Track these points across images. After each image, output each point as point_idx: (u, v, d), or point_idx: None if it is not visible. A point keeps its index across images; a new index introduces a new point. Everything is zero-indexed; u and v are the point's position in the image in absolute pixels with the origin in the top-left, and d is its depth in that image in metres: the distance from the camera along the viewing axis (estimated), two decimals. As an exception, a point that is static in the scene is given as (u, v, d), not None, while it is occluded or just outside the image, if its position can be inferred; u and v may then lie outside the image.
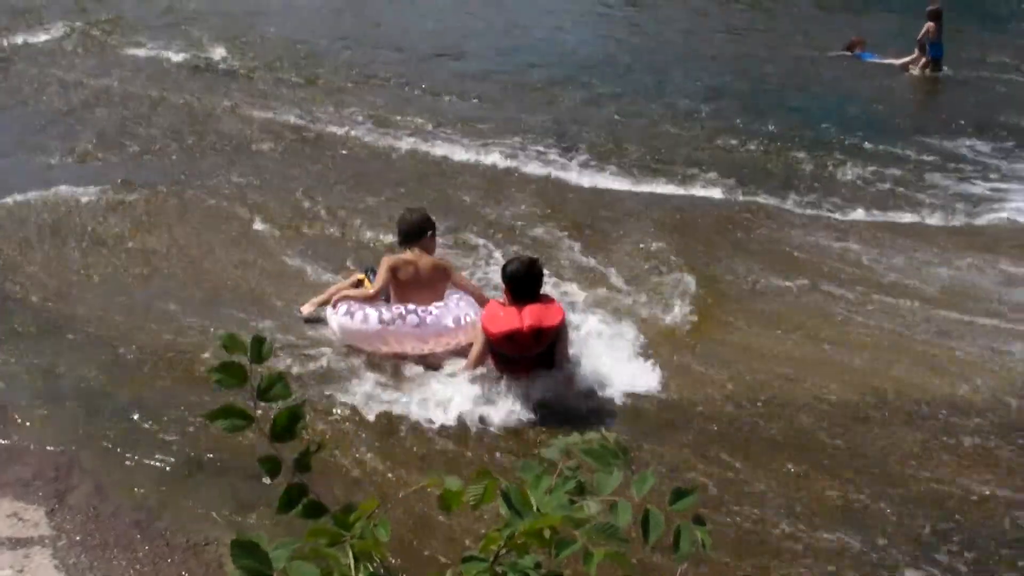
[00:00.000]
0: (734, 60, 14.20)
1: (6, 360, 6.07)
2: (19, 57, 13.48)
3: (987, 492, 4.99)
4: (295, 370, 5.87)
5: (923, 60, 14.27)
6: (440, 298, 6.28)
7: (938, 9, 14.08)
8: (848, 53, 14.89)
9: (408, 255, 6.30)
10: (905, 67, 14.43)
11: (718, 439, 5.42)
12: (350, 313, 6.15)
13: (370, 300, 6.21)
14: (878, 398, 5.85)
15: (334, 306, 6.30)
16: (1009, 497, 4.96)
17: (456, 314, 6.11)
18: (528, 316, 5.58)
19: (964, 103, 12.81)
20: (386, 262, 6.30)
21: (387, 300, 6.31)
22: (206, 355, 6.03)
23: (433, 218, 6.49)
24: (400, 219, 6.44)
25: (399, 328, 6.06)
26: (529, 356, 5.70)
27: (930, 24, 14.08)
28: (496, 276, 7.14)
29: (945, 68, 14.25)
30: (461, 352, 6.06)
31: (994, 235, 8.48)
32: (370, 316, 6.10)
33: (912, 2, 17.92)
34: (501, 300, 5.79)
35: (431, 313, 6.09)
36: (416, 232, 6.31)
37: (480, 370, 5.79)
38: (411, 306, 6.13)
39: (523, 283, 5.66)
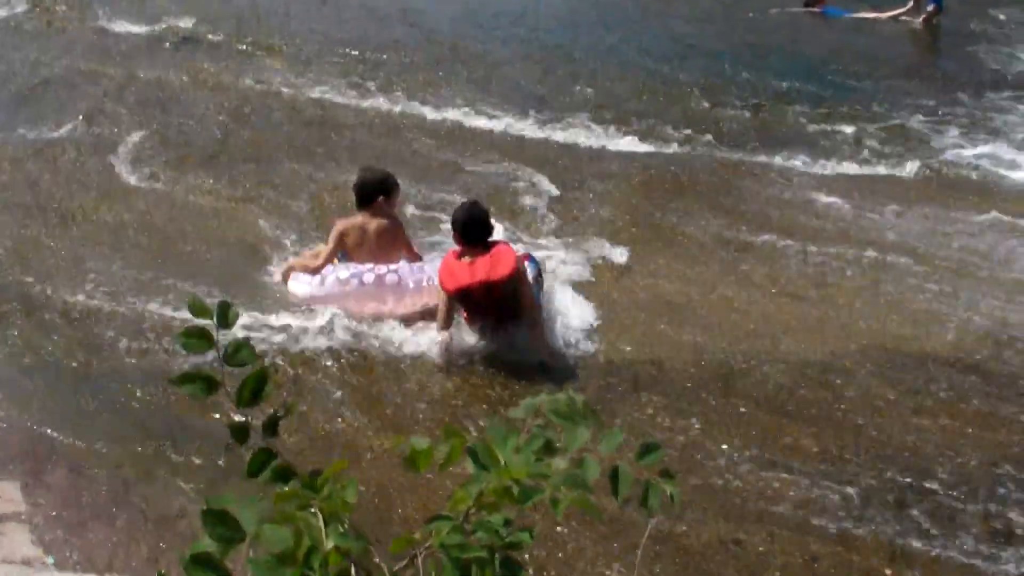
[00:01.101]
0: (707, 20, 14.13)
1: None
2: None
3: (961, 444, 5.07)
4: (263, 337, 5.87)
5: (929, 8, 13.96)
6: (395, 261, 6.24)
7: None
8: (812, 9, 14.61)
9: (358, 219, 6.31)
10: (895, 19, 14.17)
11: (690, 396, 5.46)
12: (307, 279, 6.18)
13: (316, 269, 6.22)
14: (853, 351, 5.91)
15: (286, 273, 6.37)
16: (982, 449, 5.03)
17: (418, 276, 6.08)
18: (479, 270, 5.61)
19: (950, 55, 12.76)
20: (337, 226, 6.33)
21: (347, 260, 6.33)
22: (176, 328, 6.01)
23: (394, 179, 6.41)
24: (355, 181, 6.41)
25: (356, 288, 6.07)
26: (490, 304, 5.73)
27: None
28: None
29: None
30: (428, 313, 6.06)
31: (969, 187, 8.49)
32: (327, 278, 6.13)
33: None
34: (456, 249, 5.79)
35: (390, 272, 6.08)
36: (366, 195, 6.29)
37: (447, 334, 5.80)
38: (369, 266, 6.12)
39: (469, 228, 5.70)
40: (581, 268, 6.84)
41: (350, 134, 9.68)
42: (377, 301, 6.09)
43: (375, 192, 6.28)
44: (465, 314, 5.90)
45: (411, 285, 6.06)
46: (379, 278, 6.08)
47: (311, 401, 5.35)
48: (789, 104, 10.42)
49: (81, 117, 9.97)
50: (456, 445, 1.55)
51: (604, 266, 6.93)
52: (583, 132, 9.58)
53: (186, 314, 6.13)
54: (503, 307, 5.75)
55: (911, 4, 14.09)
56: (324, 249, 6.32)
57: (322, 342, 5.91)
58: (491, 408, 5.36)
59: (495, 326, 5.83)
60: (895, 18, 14.21)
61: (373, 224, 6.26)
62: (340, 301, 6.12)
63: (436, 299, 6.09)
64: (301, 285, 6.21)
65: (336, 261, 6.32)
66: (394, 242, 6.30)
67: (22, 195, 8.17)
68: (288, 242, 7.22)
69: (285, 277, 6.41)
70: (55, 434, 5.15)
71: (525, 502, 1.46)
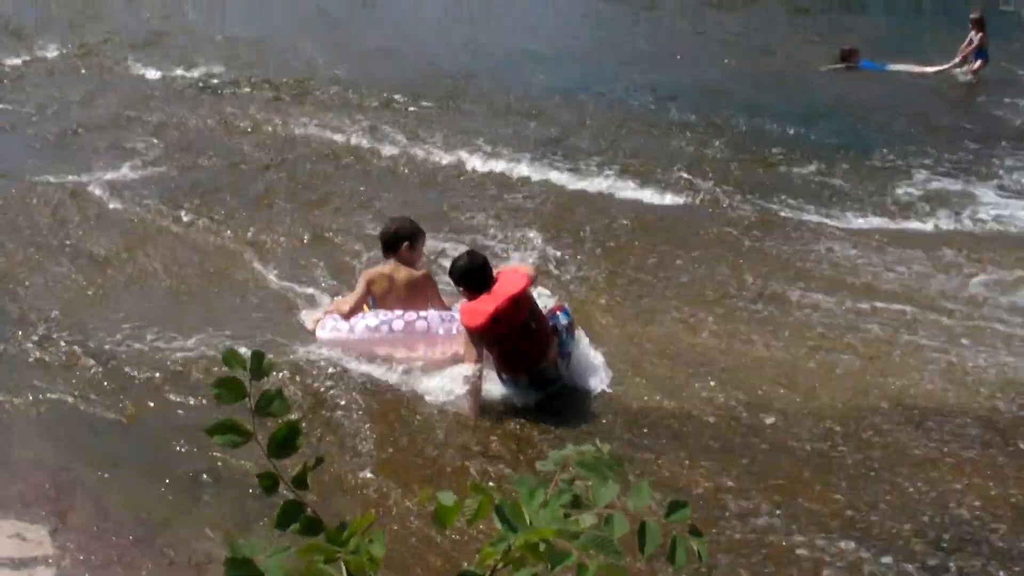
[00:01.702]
0: (735, 72, 14.22)
1: (5, 379, 6.08)
2: (17, 78, 13.56)
3: (991, 502, 4.97)
4: (292, 385, 5.88)
5: (976, 64, 13.98)
6: (422, 308, 6.28)
7: (982, 16, 13.93)
8: (844, 65, 14.50)
9: (385, 268, 6.35)
10: (941, 73, 14.14)
11: (717, 449, 5.40)
12: (336, 327, 6.23)
13: (345, 316, 6.25)
14: (880, 406, 5.83)
15: (317, 322, 6.42)
16: (1013, 507, 4.94)
17: (448, 325, 6.10)
18: (499, 294, 5.66)
19: (988, 110, 12.70)
20: (363, 275, 6.39)
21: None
22: (204, 373, 6.06)
23: (418, 226, 6.45)
24: (381, 230, 6.48)
25: (385, 335, 6.12)
26: (520, 327, 5.72)
27: (981, 34, 13.90)
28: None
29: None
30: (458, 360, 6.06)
31: (1000, 243, 8.41)
32: (356, 325, 6.16)
33: (900, 5, 18.02)
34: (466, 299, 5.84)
35: (420, 319, 6.13)
36: (391, 243, 6.33)
37: (477, 367, 5.75)
38: (398, 312, 6.17)
39: (472, 278, 5.76)
40: (603, 317, 6.84)
41: (375, 178, 9.85)
42: (407, 348, 6.12)
43: (399, 239, 6.33)
44: (497, 358, 5.87)
45: (440, 332, 6.08)
46: (408, 325, 6.12)
47: (338, 451, 5.34)
48: (817, 157, 10.41)
49: (110, 160, 10.17)
50: (483, 502, 1.55)
51: (627, 316, 6.93)
52: (603, 180, 9.67)
53: (209, 355, 6.21)
54: (532, 327, 5.76)
55: (957, 59, 14.08)
56: (351, 298, 6.36)
57: (350, 390, 5.91)
58: (519, 457, 5.32)
59: (529, 361, 5.80)
60: (941, 72, 14.15)
61: (400, 272, 6.30)
62: (369, 348, 6.15)
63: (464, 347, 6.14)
64: (330, 332, 6.25)
65: (367, 308, 6.36)
66: (421, 290, 6.32)
67: (52, 237, 8.32)
68: (314, 288, 7.28)
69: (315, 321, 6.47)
70: (83, 477, 5.17)
71: (554, 567, 1.45)
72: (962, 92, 13.83)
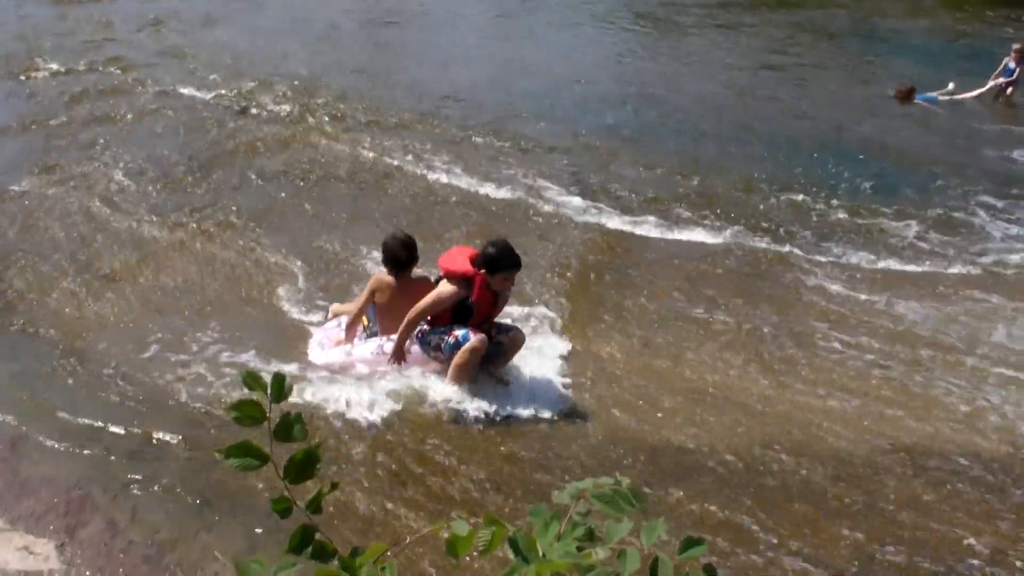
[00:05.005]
0: (765, 104, 14.20)
1: (21, 395, 6.11)
2: (34, 92, 13.68)
3: (999, 545, 4.94)
4: (301, 408, 5.89)
5: (1010, 90, 14.49)
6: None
7: None
8: (913, 101, 14.53)
9: (393, 280, 6.37)
10: (995, 92, 14.62)
11: (730, 487, 5.38)
12: (347, 351, 6.35)
13: (352, 317, 6.38)
14: (892, 448, 5.81)
15: (321, 344, 6.52)
16: (1021, 552, 4.90)
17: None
18: None
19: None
20: (370, 283, 6.44)
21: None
22: (218, 395, 6.07)
23: (414, 240, 6.46)
24: (384, 246, 6.40)
25: (381, 356, 6.22)
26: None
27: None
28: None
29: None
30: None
31: (1015, 284, 8.39)
32: (368, 348, 6.28)
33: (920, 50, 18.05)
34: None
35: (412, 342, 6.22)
36: (407, 261, 6.33)
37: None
38: (392, 336, 6.24)
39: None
40: (618, 352, 6.83)
41: (396, 199, 9.87)
42: (421, 364, 6.24)
43: (412, 259, 6.36)
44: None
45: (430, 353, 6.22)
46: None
47: (347, 478, 5.32)
48: (844, 195, 10.36)
49: (132, 176, 10.22)
50: (497, 532, 1.55)
51: (642, 353, 6.90)
52: (621, 216, 9.63)
53: (224, 376, 6.23)
54: None
55: (991, 83, 14.40)
56: (355, 303, 6.45)
57: (362, 414, 5.91)
58: (530, 489, 5.29)
59: None
60: (981, 95, 14.43)
61: (411, 286, 6.35)
62: (371, 366, 6.24)
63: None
64: (327, 356, 6.35)
65: (366, 320, 6.43)
66: (425, 293, 6.39)
67: (68, 252, 8.33)
68: (328, 303, 7.29)
69: (336, 315, 6.57)
70: (94, 495, 5.16)
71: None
72: (999, 125, 13.88)
